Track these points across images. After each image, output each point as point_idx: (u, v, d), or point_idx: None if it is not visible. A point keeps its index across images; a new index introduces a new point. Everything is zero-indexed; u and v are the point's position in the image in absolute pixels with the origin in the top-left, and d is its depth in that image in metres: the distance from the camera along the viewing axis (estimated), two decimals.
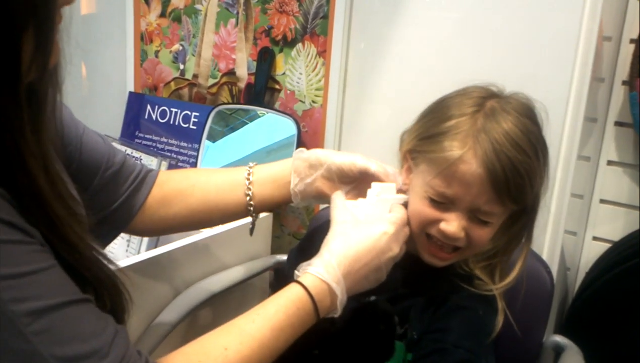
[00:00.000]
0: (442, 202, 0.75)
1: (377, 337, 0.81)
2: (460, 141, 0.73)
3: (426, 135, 0.78)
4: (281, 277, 1.43)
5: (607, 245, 1.39)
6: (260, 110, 1.46)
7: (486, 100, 0.76)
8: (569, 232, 1.37)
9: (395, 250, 0.76)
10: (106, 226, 0.87)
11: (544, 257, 1.15)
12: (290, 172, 0.87)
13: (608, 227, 1.39)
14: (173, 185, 0.91)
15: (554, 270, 1.15)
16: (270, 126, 1.45)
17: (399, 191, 0.82)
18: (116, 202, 0.86)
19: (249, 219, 0.93)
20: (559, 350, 1.02)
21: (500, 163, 0.71)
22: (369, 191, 0.80)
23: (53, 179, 0.58)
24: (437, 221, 0.76)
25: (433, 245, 0.78)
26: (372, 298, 0.82)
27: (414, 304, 0.81)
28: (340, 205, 0.80)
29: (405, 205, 0.80)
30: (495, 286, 0.81)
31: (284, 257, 1.33)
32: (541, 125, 0.78)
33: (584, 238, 1.42)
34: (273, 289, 1.45)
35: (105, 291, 0.63)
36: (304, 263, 0.74)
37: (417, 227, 0.79)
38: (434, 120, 0.78)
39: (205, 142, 1.51)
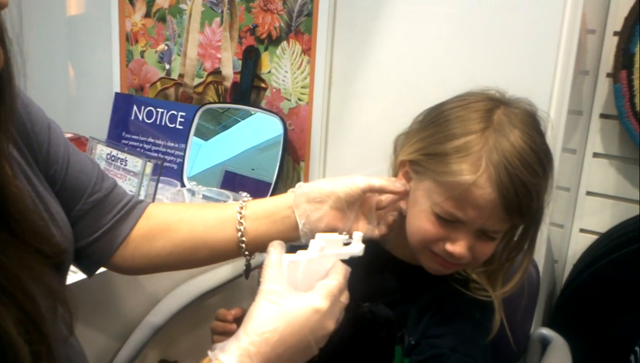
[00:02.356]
0: (449, 221, 0.73)
1: (379, 343, 0.80)
2: (472, 164, 0.71)
3: (431, 151, 0.75)
4: None
5: (594, 237, 1.40)
6: (246, 108, 1.46)
7: (492, 113, 0.74)
8: (556, 225, 1.38)
9: (330, 327, 0.65)
10: (84, 260, 0.80)
11: None
12: (286, 206, 0.78)
13: (595, 219, 1.40)
14: (160, 219, 0.83)
15: (541, 263, 1.15)
16: (259, 124, 1.45)
17: (395, 192, 0.78)
18: (96, 232, 0.79)
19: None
20: (545, 343, 1.03)
21: (513, 186, 0.70)
22: (312, 242, 0.70)
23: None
24: (442, 239, 0.75)
25: (437, 258, 0.76)
26: (367, 304, 0.80)
27: (410, 309, 0.80)
28: (275, 263, 0.67)
29: (348, 261, 0.70)
30: (495, 293, 0.81)
31: None
32: (545, 132, 0.77)
33: (570, 231, 1.43)
34: None
35: None
36: (219, 345, 0.64)
37: (420, 243, 0.77)
38: (438, 135, 0.75)
39: (194, 140, 1.51)
